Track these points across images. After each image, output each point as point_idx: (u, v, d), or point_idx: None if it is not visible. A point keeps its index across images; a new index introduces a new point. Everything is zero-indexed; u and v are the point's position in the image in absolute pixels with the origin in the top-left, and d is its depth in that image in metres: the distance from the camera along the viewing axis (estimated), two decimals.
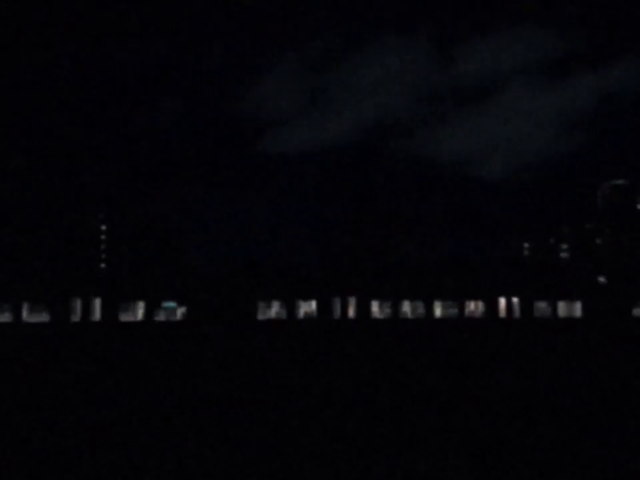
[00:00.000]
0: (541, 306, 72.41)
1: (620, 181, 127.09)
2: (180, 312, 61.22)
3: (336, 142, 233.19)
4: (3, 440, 8.54)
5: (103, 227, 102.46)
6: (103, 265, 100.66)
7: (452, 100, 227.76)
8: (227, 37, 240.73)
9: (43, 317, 55.12)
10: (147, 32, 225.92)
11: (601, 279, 76.73)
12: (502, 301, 71.84)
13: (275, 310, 65.08)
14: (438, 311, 68.80)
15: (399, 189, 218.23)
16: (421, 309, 67.33)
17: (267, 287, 62.13)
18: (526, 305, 69.69)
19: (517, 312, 70.89)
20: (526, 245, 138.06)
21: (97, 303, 56.61)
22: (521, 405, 11.10)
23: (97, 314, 57.26)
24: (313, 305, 64.60)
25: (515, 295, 71.40)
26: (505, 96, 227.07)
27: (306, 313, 64.95)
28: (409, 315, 67.97)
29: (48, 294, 56.06)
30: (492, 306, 69.33)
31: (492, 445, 8.00)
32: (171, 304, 58.43)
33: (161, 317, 59.34)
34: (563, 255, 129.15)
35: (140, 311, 60.16)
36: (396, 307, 64.14)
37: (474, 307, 73.44)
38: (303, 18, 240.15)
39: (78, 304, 55.51)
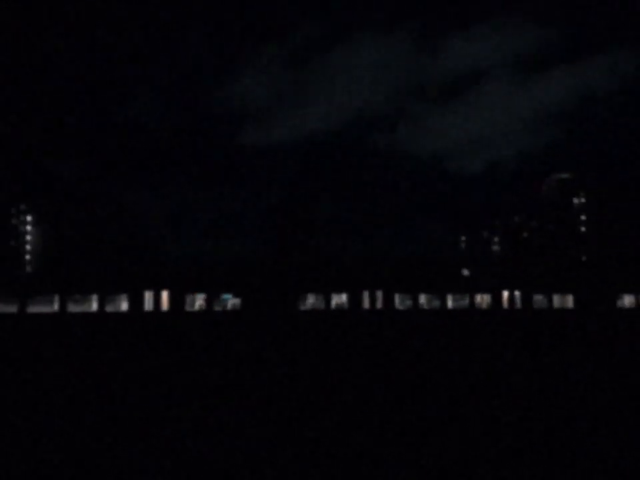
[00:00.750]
0: (538, 298, 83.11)
1: (565, 175, 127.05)
2: (230, 303, 71.60)
3: (316, 135, 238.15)
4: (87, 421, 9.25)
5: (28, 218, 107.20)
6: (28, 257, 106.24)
7: (432, 94, 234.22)
8: (206, 28, 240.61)
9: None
10: (125, 23, 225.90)
11: (465, 271, 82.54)
12: (505, 294, 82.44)
13: (310, 301, 75.59)
14: (450, 303, 79.44)
15: (378, 182, 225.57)
16: (435, 301, 78.04)
17: (304, 280, 72.53)
18: (526, 298, 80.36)
19: (518, 303, 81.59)
20: (463, 238, 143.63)
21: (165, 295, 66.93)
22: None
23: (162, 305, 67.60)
24: (344, 297, 75.12)
25: (516, 289, 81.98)
26: (484, 91, 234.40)
27: (337, 304, 75.48)
28: (425, 306, 78.60)
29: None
30: (497, 298, 79.96)
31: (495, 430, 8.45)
32: (227, 296, 68.91)
33: (217, 307, 69.81)
34: (495, 247, 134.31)
35: (198, 302, 70.58)
36: (415, 300, 74.79)
37: (480, 299, 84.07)
38: (284, 10, 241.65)
39: (151, 296, 65.84)
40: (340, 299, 75.85)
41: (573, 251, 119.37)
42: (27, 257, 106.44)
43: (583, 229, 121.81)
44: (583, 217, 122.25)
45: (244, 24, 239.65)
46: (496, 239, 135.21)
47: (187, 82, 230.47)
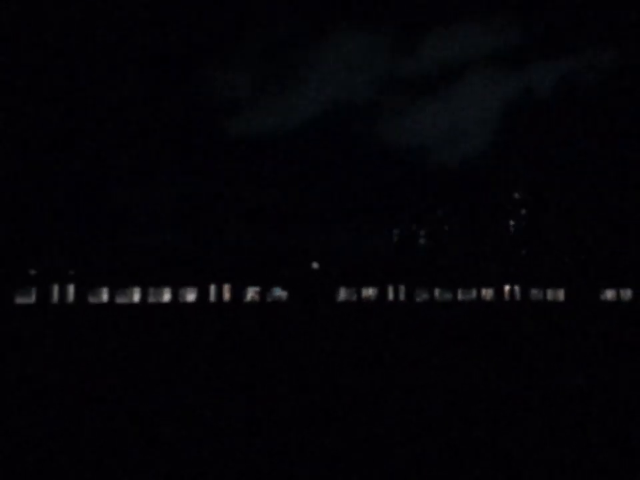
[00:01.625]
0: (534, 292, 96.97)
1: (505, 169, 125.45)
2: (277, 295, 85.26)
3: (298, 126, 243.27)
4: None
5: None
6: None
7: (413, 87, 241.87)
8: (190, 18, 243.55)
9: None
10: (106, 13, 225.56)
11: (314, 265, 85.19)
12: (506, 288, 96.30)
13: (342, 295, 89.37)
14: (459, 296, 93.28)
15: (357, 174, 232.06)
16: (447, 295, 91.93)
17: (340, 275, 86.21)
18: (524, 291, 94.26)
19: (517, 296, 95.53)
20: (396, 231, 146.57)
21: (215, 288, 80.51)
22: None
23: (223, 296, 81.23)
24: (370, 290, 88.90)
25: (516, 284, 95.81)
26: (464, 84, 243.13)
27: (365, 297, 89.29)
28: (438, 298, 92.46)
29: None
30: (499, 292, 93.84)
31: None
32: (277, 289, 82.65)
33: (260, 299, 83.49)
34: (422, 241, 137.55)
35: (249, 294, 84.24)
36: (431, 293, 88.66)
37: (484, 292, 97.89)
38: (268, 1, 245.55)
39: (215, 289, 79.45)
40: (367, 292, 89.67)
41: (509, 245, 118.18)
42: None
43: (523, 223, 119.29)
44: (523, 212, 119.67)
45: (230, 14, 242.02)
46: (422, 232, 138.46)
47: (165, 71, 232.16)
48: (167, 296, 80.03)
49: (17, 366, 15.42)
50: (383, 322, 46.46)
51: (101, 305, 73.83)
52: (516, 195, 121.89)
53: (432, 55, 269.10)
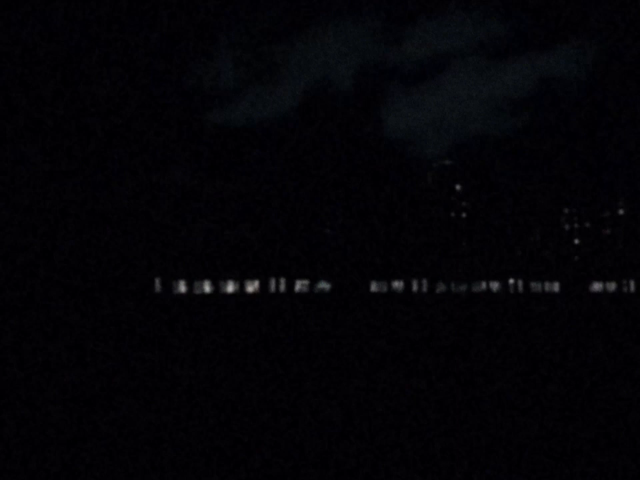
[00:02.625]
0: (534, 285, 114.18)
1: (447, 161, 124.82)
2: (321, 286, 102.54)
3: (281, 116, 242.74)
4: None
5: None
6: None
7: (397, 79, 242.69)
8: (174, 8, 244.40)
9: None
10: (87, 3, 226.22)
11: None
12: (511, 280, 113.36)
13: (373, 287, 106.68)
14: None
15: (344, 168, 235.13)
16: (462, 287, 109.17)
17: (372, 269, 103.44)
18: (526, 284, 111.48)
19: (520, 289, 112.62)
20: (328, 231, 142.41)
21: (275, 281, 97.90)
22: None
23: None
24: (395, 283, 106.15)
25: (519, 278, 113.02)
26: (448, 76, 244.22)
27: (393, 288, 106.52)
28: (453, 290, 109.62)
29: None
30: (505, 284, 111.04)
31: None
32: (322, 282, 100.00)
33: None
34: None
35: (297, 286, 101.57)
36: (449, 285, 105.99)
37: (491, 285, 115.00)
38: None
39: (273, 282, 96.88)
40: (393, 285, 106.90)
41: (453, 238, 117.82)
42: None
43: (464, 214, 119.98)
44: (464, 204, 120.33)
45: (213, 4, 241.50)
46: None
47: (147, 63, 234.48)
48: (230, 287, 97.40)
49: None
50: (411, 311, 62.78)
51: (182, 295, 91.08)
52: (457, 187, 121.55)
53: (417, 45, 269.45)
